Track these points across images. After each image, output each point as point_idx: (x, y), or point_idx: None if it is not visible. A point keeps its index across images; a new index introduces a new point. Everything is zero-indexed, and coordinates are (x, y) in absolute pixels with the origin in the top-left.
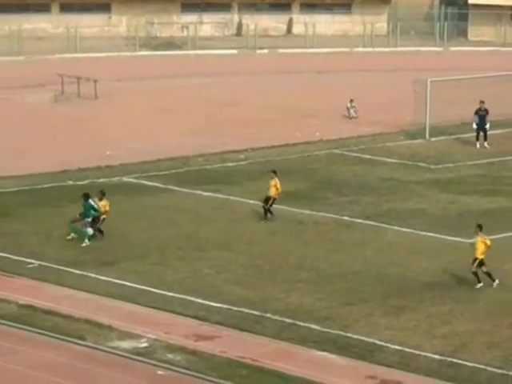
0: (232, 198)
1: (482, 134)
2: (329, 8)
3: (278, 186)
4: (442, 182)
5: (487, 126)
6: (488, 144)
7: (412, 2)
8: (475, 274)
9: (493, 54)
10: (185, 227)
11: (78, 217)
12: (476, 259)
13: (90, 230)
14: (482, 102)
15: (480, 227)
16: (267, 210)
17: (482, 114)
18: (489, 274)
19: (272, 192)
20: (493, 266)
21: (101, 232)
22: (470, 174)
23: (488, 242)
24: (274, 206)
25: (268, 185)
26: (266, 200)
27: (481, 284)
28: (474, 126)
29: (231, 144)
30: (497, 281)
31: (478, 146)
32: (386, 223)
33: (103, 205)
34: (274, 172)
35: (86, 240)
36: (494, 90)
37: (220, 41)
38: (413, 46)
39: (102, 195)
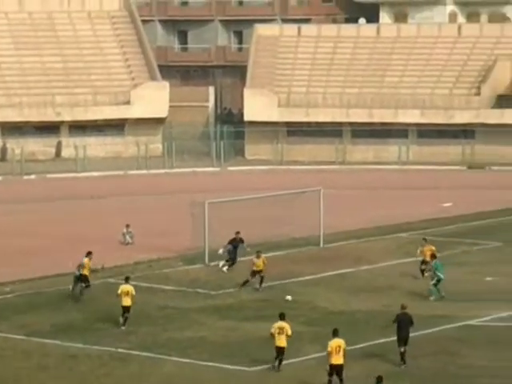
0: None
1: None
2: (100, 130)
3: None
4: (223, 308)
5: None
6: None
7: (187, 121)
8: None
9: (270, 172)
10: None
11: None
12: None
13: None
14: (237, 232)
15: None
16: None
17: (236, 244)
18: None
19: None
20: None
21: None
22: (251, 298)
23: None
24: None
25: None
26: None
27: None
28: (220, 252)
29: None
30: None
31: (224, 269)
32: (165, 354)
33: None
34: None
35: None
36: (272, 209)
37: None
38: (189, 167)
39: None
